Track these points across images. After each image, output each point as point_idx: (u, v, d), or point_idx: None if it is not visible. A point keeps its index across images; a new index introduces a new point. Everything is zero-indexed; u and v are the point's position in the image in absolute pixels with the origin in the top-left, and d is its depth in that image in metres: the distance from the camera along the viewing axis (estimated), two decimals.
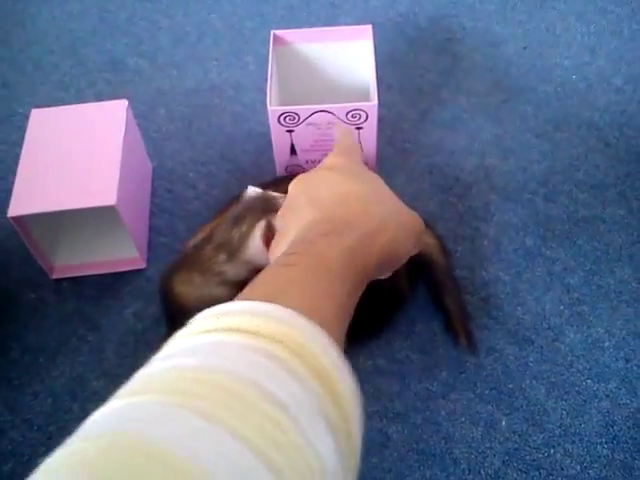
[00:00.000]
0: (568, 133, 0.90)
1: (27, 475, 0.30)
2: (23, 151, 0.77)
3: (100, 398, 0.77)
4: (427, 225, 0.71)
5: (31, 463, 0.33)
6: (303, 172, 0.54)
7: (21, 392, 0.73)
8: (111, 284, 0.80)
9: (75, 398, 0.72)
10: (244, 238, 0.61)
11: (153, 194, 0.88)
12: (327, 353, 0.34)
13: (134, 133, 0.82)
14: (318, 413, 0.32)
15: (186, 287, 0.66)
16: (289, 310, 0.35)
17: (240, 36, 1.06)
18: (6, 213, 0.71)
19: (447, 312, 0.73)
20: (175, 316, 0.68)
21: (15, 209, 0.72)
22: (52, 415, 0.71)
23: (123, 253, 0.79)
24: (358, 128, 0.75)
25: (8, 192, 0.73)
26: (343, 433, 0.33)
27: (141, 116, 0.93)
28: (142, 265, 0.80)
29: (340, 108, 0.73)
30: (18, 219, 0.72)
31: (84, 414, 0.76)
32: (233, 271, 0.62)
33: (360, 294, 0.44)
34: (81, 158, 0.75)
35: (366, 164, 0.81)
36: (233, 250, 0.62)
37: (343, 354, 0.36)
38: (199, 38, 1.06)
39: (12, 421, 0.71)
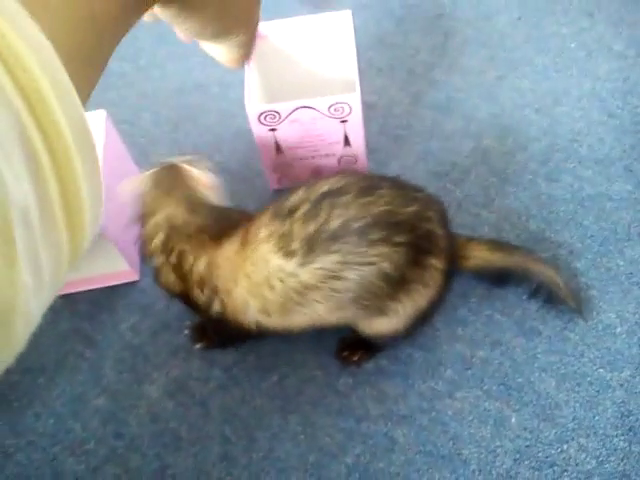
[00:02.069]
0: (568, 106, 0.86)
1: None
2: None
3: (101, 416, 0.75)
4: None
5: None
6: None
7: (23, 414, 0.72)
8: (105, 299, 0.79)
9: (77, 417, 0.71)
10: None
11: None
12: (44, 60, 0.27)
13: (116, 144, 0.80)
14: (12, 133, 0.25)
15: None
16: None
17: None
18: None
19: (546, 285, 0.69)
20: None
21: None
22: (55, 436, 0.70)
23: (115, 267, 0.78)
24: (343, 121, 0.72)
25: None
26: (47, 172, 0.27)
27: (126, 122, 0.91)
28: (135, 277, 0.78)
29: (321, 102, 0.69)
30: None
31: (86, 433, 0.74)
32: None
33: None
34: None
35: (356, 159, 0.79)
36: None
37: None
38: None
39: (16, 444, 0.71)
